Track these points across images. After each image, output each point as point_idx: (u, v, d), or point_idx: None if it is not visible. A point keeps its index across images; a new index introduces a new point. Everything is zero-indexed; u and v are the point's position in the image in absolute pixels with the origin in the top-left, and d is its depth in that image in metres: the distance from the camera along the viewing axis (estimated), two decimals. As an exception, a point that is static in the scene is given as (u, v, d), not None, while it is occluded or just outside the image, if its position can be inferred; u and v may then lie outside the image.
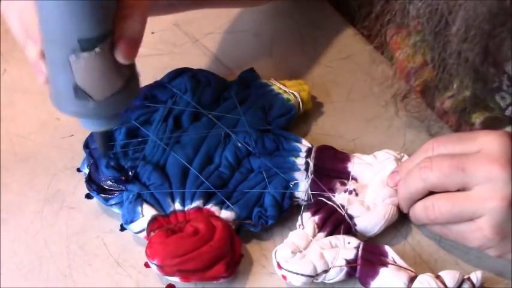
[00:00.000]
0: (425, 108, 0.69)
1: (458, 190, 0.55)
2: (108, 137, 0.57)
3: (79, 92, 0.49)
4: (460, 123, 0.67)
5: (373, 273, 0.55)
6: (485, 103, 0.64)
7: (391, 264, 0.55)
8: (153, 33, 0.81)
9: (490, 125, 0.64)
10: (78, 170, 0.64)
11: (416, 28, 0.65)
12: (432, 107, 0.69)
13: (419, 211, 0.57)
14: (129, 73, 0.51)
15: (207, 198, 0.59)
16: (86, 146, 0.63)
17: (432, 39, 0.60)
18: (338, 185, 0.60)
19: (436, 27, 0.58)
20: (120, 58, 0.49)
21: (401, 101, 0.69)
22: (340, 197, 0.60)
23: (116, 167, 0.61)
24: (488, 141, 0.55)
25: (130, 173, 0.61)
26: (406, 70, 0.70)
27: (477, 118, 0.65)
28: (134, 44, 0.50)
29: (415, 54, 0.69)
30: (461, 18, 0.55)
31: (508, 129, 0.64)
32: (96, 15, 0.46)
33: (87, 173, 0.62)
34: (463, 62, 0.58)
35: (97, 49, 0.47)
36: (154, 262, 0.55)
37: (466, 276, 0.54)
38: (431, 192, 0.57)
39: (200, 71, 0.69)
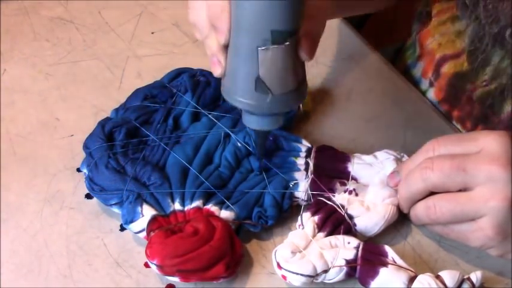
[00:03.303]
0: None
1: (460, 190, 0.55)
2: (266, 140, 0.59)
3: (259, 85, 0.50)
4: (486, 113, 0.67)
5: (373, 273, 0.55)
6: None
7: (391, 264, 0.55)
8: (153, 33, 0.81)
9: None
10: (78, 170, 0.64)
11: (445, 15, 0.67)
12: (458, 96, 0.69)
13: (420, 211, 0.57)
14: (303, 75, 0.53)
15: (207, 198, 0.59)
16: (86, 146, 0.63)
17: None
18: (338, 185, 0.60)
19: None
20: (303, 55, 0.51)
21: (430, 86, 0.71)
22: (340, 197, 0.60)
23: (115, 167, 0.61)
24: (489, 142, 0.55)
25: (130, 173, 0.61)
26: (437, 58, 0.71)
27: (509, 105, 0.65)
28: (315, 43, 0.52)
29: (447, 42, 0.70)
30: None
31: None
32: (293, 9, 0.48)
33: (87, 173, 0.62)
34: None
35: (287, 43, 0.48)
36: (154, 262, 0.55)
37: (466, 276, 0.54)
38: (432, 192, 0.57)
39: (200, 71, 0.70)
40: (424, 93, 0.74)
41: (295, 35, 0.49)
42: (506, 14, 0.62)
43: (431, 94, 0.73)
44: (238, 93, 0.52)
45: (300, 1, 0.48)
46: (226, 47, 0.52)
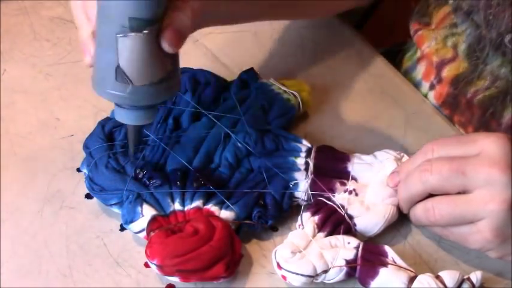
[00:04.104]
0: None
1: (459, 193, 0.55)
2: (139, 136, 0.57)
3: (120, 74, 0.49)
4: (486, 118, 0.67)
5: (373, 273, 0.55)
6: None
7: (391, 264, 0.55)
8: (153, 33, 0.81)
9: None
10: (78, 170, 0.64)
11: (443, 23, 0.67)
12: (458, 100, 0.69)
13: (419, 213, 0.57)
14: (171, 68, 0.52)
15: (207, 198, 0.59)
16: (86, 146, 0.63)
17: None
18: (338, 185, 0.60)
19: None
20: (165, 45, 0.50)
21: (430, 89, 0.71)
22: (340, 197, 0.60)
23: (115, 167, 0.61)
24: (488, 144, 0.54)
25: (130, 173, 0.61)
26: (436, 62, 0.71)
27: (510, 111, 0.66)
28: (180, 35, 0.51)
29: (443, 47, 0.69)
30: None
31: None
32: None
33: (87, 173, 0.62)
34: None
35: (145, 31, 0.48)
36: (154, 262, 0.55)
37: (466, 276, 0.54)
38: (431, 194, 0.57)
39: (200, 71, 0.69)
40: (424, 96, 0.74)
41: (156, 25, 0.48)
42: (506, 20, 0.62)
43: (431, 98, 0.73)
44: (102, 84, 0.51)
45: None
46: None
